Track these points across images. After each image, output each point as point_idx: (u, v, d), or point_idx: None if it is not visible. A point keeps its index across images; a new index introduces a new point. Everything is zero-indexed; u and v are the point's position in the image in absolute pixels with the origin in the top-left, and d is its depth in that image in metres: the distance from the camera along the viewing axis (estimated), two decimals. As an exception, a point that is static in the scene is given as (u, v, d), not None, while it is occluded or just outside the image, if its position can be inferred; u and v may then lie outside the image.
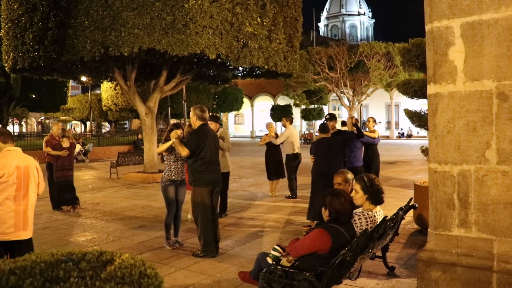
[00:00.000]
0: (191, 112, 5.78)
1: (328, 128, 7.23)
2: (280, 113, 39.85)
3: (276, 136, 10.11)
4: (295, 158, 9.87)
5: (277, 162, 10.12)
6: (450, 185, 3.42)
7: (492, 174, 3.25)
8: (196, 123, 5.71)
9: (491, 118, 3.24)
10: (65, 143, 8.80)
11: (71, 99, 40.40)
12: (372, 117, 9.54)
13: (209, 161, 5.59)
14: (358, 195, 4.12)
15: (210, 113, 7.48)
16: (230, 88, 39.10)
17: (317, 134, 8.22)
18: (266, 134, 10.18)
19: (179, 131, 5.70)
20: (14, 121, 37.27)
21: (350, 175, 4.99)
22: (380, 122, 37.87)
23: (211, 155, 5.63)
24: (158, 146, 6.42)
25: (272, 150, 10.12)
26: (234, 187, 8.97)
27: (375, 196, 4.10)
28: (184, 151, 5.47)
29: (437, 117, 3.46)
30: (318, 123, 43.16)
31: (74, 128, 55.25)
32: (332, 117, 8.15)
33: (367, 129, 9.35)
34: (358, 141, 8.80)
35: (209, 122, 8.14)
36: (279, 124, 31.34)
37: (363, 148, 8.72)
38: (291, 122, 10.14)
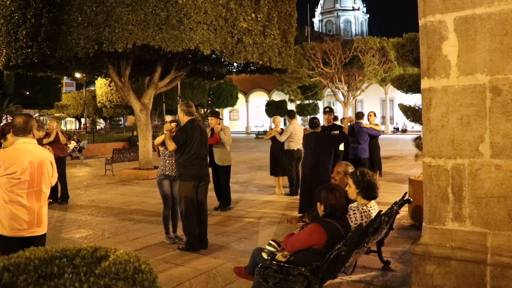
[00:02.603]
0: (178, 109, 5.91)
1: (317, 124, 7.36)
2: (275, 109, 39.77)
3: (282, 131, 9.78)
4: (295, 155, 9.54)
5: (281, 158, 9.78)
6: (444, 179, 3.43)
7: (486, 167, 3.27)
8: (184, 118, 5.80)
9: (484, 112, 3.25)
10: None
11: (65, 96, 40.16)
12: (373, 112, 10.24)
13: (195, 156, 5.66)
14: (351, 189, 4.23)
15: (210, 110, 7.62)
16: (225, 84, 39.00)
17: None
18: (272, 129, 9.96)
19: (173, 124, 5.83)
20: (8, 118, 37.08)
21: (351, 168, 5.01)
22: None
23: (198, 150, 5.69)
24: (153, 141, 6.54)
25: (277, 145, 9.80)
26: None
27: (365, 191, 4.19)
28: (171, 146, 5.58)
29: (431, 111, 3.47)
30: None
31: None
32: (330, 110, 8.80)
33: (369, 123, 9.94)
34: (365, 133, 9.31)
35: (209, 118, 8.28)
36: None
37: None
38: (291, 117, 9.93)
